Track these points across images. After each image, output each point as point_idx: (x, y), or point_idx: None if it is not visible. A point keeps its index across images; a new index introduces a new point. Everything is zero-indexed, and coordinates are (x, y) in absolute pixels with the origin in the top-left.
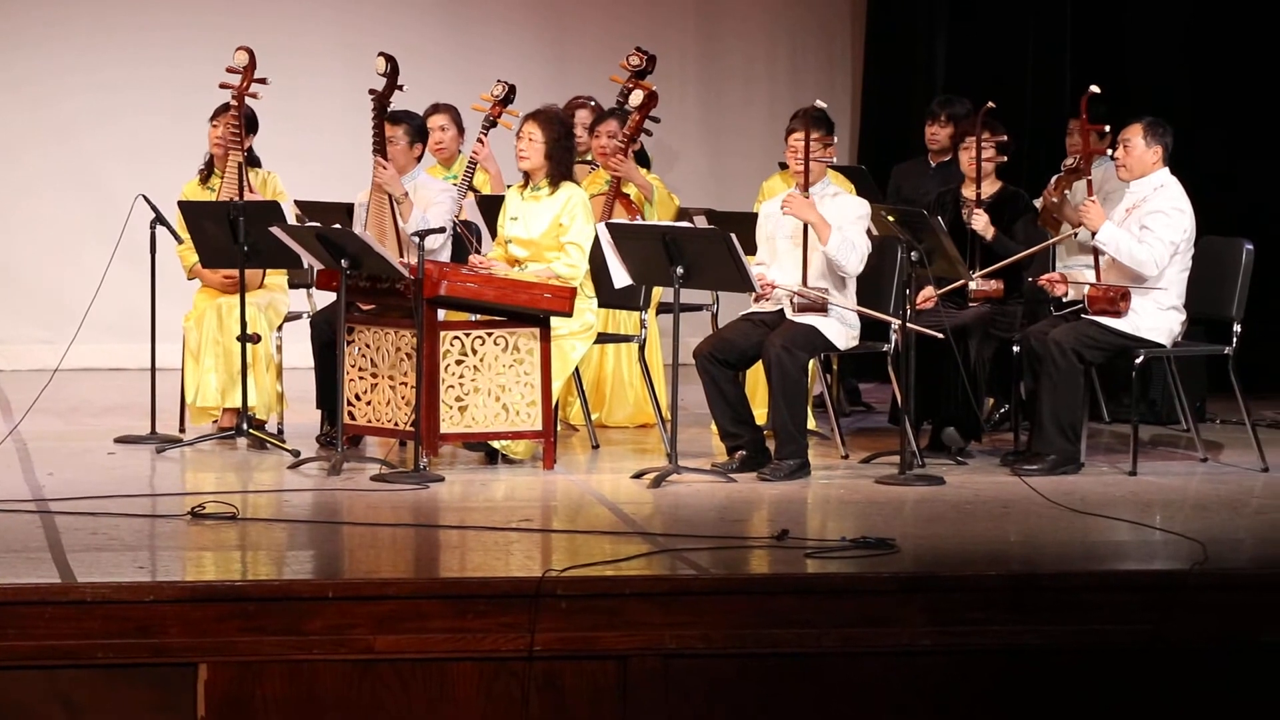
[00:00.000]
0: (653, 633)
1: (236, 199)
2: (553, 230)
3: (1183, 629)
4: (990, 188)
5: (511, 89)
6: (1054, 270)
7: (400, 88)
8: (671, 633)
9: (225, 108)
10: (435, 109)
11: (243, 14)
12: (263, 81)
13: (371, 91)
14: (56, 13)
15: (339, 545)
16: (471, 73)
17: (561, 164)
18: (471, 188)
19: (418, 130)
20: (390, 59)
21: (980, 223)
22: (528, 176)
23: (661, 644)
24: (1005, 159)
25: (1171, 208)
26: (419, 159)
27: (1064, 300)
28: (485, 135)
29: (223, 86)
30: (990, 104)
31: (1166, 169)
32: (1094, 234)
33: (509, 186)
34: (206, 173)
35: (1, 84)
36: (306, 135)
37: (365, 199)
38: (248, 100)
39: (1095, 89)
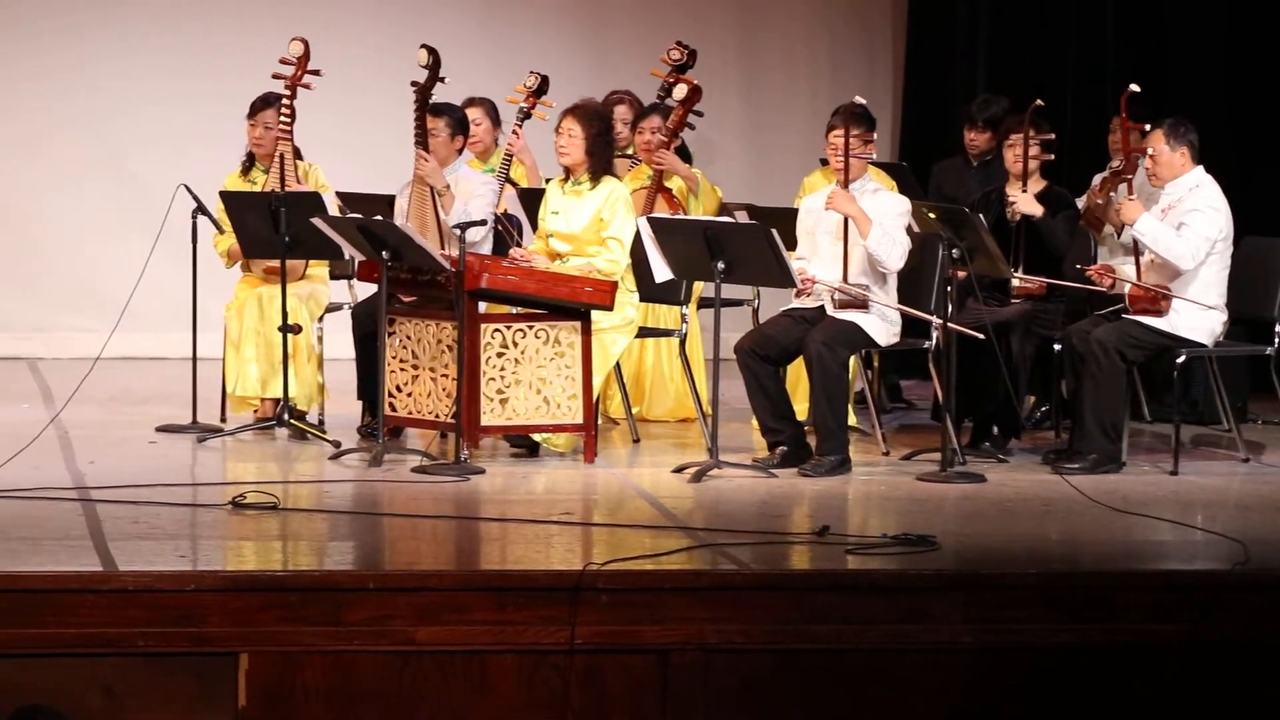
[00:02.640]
0: (693, 627)
1: (278, 190)
2: (594, 225)
3: (1222, 629)
4: (1035, 186)
5: (544, 80)
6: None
7: (442, 80)
8: (712, 627)
9: (264, 103)
10: (469, 103)
11: (284, 3)
12: (316, 73)
13: (413, 84)
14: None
15: (380, 536)
16: (510, 65)
17: (602, 158)
18: (509, 180)
19: (459, 123)
20: (432, 51)
21: (1027, 203)
22: (568, 171)
23: (702, 638)
24: (1051, 157)
25: (1208, 206)
26: (460, 151)
27: (1108, 294)
28: (520, 127)
29: (275, 77)
30: (1039, 101)
31: (1199, 168)
32: (1132, 226)
33: (548, 180)
34: (248, 165)
35: (37, 72)
36: (348, 127)
37: (407, 191)
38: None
39: (1135, 87)
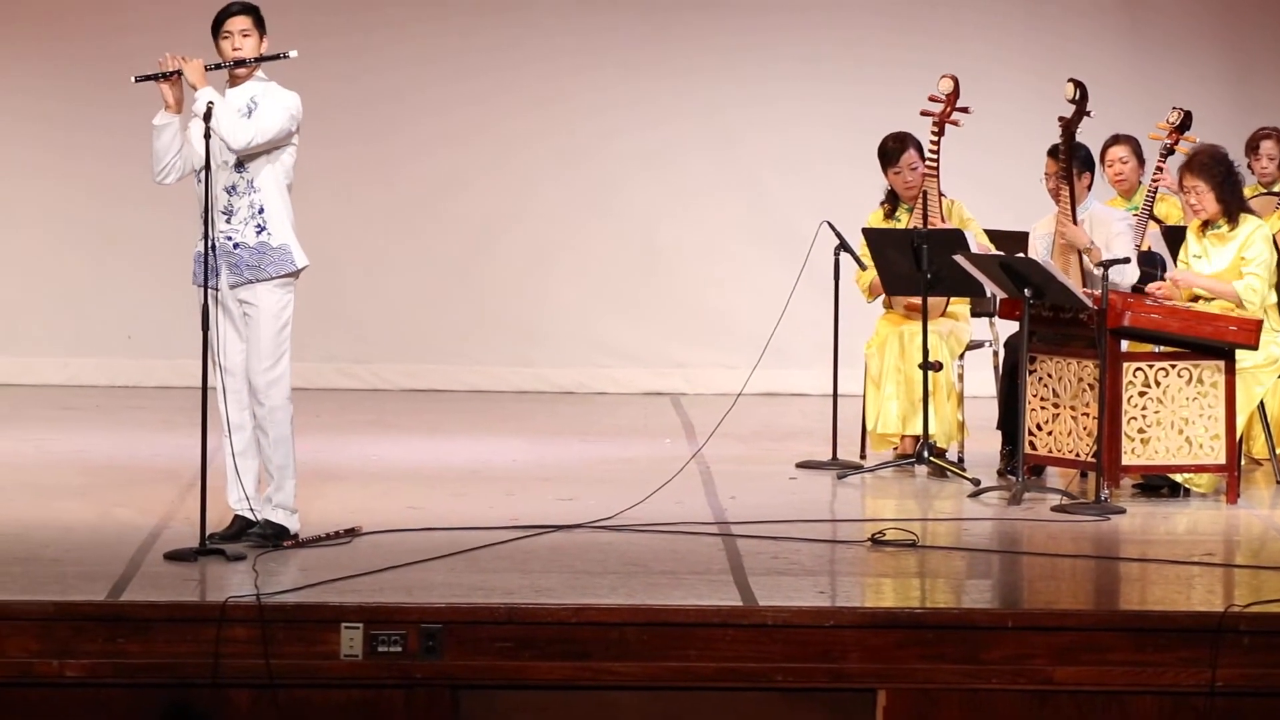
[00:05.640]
0: None
1: (921, 227)
2: (1234, 265)
3: None
4: None
5: (1188, 115)
6: None
7: (1088, 114)
8: None
9: (900, 146)
10: (1115, 140)
11: (926, 36)
12: (965, 110)
13: (1060, 118)
14: (736, 33)
15: (1019, 575)
16: (1149, 103)
17: (1234, 200)
18: (1153, 217)
19: (1084, 161)
20: (1079, 85)
21: None
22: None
23: None
24: None
25: None
26: (1088, 188)
27: None
28: (1164, 162)
29: (923, 114)
30: None
31: None
32: None
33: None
34: (891, 207)
35: (682, 112)
36: (985, 162)
37: (1040, 229)
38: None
39: None
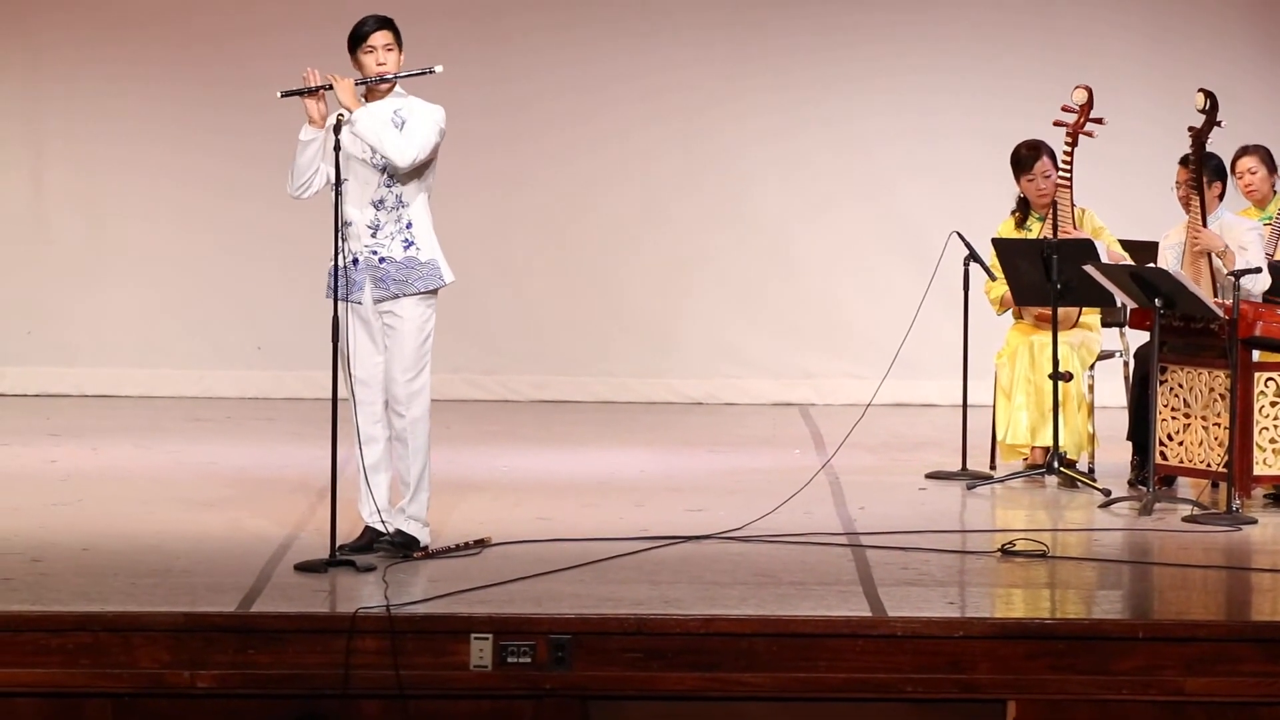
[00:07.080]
0: None
1: (1051, 236)
2: None
3: None
4: None
5: None
6: None
7: (1219, 124)
8: None
9: (1033, 154)
10: (1245, 151)
11: (1058, 46)
12: (1099, 121)
13: (1190, 129)
14: (866, 43)
15: (1149, 585)
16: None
17: None
18: None
19: (1215, 170)
20: (1210, 95)
21: None
22: None
23: None
24: None
25: None
26: (1220, 198)
27: None
28: None
29: (1056, 124)
30: None
31: None
32: None
33: None
34: (1022, 216)
35: (813, 121)
36: (1114, 171)
37: (1171, 239)
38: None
39: None
